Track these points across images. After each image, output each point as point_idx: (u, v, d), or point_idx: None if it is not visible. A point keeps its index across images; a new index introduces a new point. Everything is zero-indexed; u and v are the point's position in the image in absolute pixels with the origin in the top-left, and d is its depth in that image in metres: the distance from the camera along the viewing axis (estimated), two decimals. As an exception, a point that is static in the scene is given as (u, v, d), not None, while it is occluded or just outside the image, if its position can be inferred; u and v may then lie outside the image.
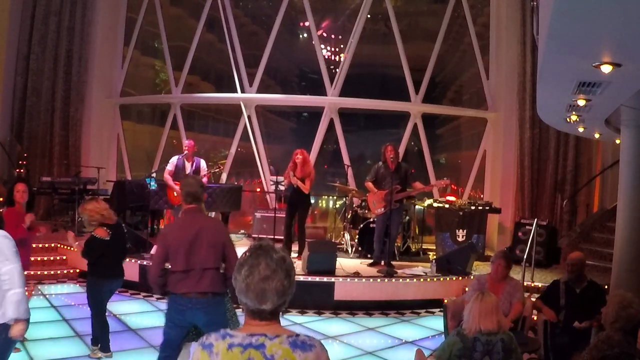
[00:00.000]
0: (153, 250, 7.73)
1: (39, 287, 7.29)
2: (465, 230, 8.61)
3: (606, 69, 3.70)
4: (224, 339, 1.73)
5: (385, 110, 10.99)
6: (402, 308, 7.07)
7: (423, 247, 9.20)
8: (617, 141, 7.33)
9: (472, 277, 7.16)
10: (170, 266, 3.83)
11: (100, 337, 5.01)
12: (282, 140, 12.68)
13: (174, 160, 8.03)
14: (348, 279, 7.06)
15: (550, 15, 3.05)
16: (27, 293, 3.31)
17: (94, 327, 5.03)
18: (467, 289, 5.15)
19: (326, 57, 11.12)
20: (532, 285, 7.05)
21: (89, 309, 5.03)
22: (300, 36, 12.14)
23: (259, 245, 1.79)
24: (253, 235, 9.57)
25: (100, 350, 5.00)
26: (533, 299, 5.19)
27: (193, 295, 3.73)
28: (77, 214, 9.42)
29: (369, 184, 7.85)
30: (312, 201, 11.79)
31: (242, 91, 10.90)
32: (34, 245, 6.54)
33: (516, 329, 4.70)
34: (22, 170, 10.58)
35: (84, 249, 4.92)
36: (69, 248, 8.15)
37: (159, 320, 6.23)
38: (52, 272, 7.84)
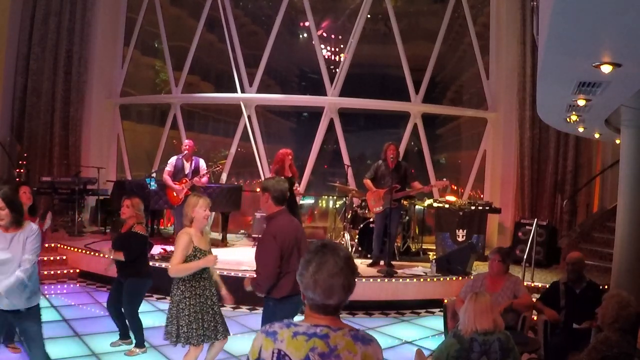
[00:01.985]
0: (154, 251, 7.74)
1: (39, 287, 7.27)
2: (465, 230, 8.61)
3: (606, 69, 3.70)
4: (288, 327, 1.83)
5: (385, 110, 10.99)
6: (402, 308, 7.07)
7: (423, 247, 9.20)
8: (617, 141, 7.33)
9: (471, 277, 7.17)
10: (281, 268, 3.71)
11: (136, 333, 5.13)
12: (282, 140, 12.67)
13: (172, 160, 8.03)
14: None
15: (550, 15, 3.05)
16: None
17: (127, 324, 5.17)
18: (463, 287, 5.15)
19: (326, 57, 11.11)
20: (532, 285, 7.05)
21: (125, 310, 5.13)
22: (300, 36, 12.14)
23: (323, 244, 1.88)
24: (253, 235, 9.56)
25: (136, 346, 5.13)
26: (533, 299, 5.19)
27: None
28: (77, 214, 9.43)
29: (368, 182, 7.86)
30: (312, 201, 11.81)
31: (242, 91, 10.90)
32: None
33: (516, 329, 4.70)
34: (22, 170, 10.58)
35: (124, 245, 4.97)
36: (72, 249, 8.14)
37: (159, 320, 6.22)
38: (52, 272, 7.83)
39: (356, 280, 1.87)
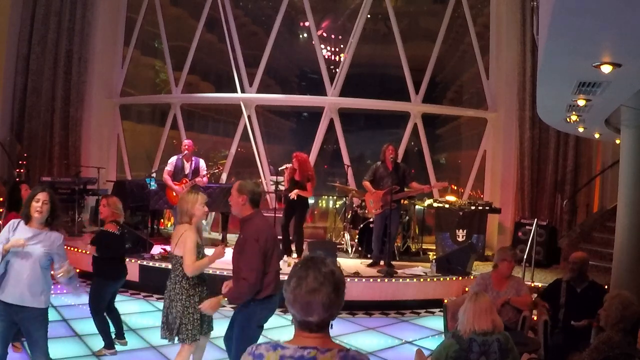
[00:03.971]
0: (154, 251, 7.75)
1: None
2: (465, 230, 8.61)
3: (606, 69, 3.70)
4: (275, 350, 1.73)
5: (385, 110, 10.99)
6: (402, 308, 7.07)
7: (423, 247, 9.20)
8: (617, 141, 7.33)
9: (472, 277, 7.18)
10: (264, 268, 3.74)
11: (103, 335, 5.04)
12: (282, 140, 12.68)
13: (172, 160, 8.02)
14: (348, 279, 7.06)
15: (550, 15, 3.05)
16: None
17: (120, 324, 5.16)
18: (470, 287, 5.19)
19: (326, 57, 11.11)
20: (532, 285, 7.04)
21: (89, 309, 5.06)
22: (300, 36, 12.15)
23: (310, 258, 1.79)
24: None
25: (104, 347, 5.04)
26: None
27: (278, 293, 3.75)
28: (77, 214, 9.43)
29: (367, 184, 7.85)
30: (312, 201, 11.80)
31: (242, 91, 10.90)
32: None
33: (516, 329, 4.71)
34: (22, 170, 10.58)
35: (96, 243, 5.00)
36: (72, 249, 8.14)
37: (158, 320, 6.21)
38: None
39: (342, 297, 1.75)
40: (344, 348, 1.74)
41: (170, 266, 4.20)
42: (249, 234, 3.73)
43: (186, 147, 7.97)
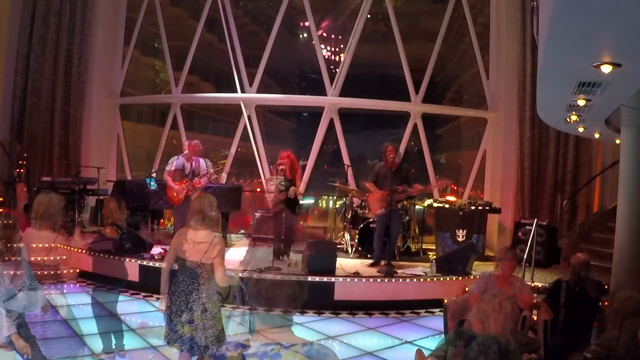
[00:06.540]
0: (154, 251, 7.75)
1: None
2: (465, 230, 8.61)
3: (606, 69, 3.70)
4: (236, 349, 1.74)
5: (385, 110, 11.00)
6: (402, 308, 7.07)
7: (423, 247, 9.19)
8: (617, 141, 7.33)
9: (472, 277, 7.18)
10: None
11: (103, 338, 5.05)
12: (282, 140, 12.67)
13: (173, 160, 8.01)
14: (348, 279, 7.06)
15: (550, 15, 3.05)
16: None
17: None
18: (471, 286, 5.19)
19: (326, 57, 11.12)
20: (532, 285, 7.04)
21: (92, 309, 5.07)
22: (300, 36, 12.14)
23: None
24: (253, 236, 9.56)
25: (103, 351, 5.03)
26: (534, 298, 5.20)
27: None
28: (77, 214, 9.43)
29: (370, 184, 7.85)
30: (312, 201, 11.79)
31: (242, 91, 10.90)
32: (33, 245, 6.48)
33: (516, 329, 4.71)
34: (22, 170, 10.57)
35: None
36: (72, 249, 8.14)
37: (159, 320, 6.22)
38: (52, 272, 7.82)
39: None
40: (307, 342, 1.74)
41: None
42: None
43: (187, 147, 7.97)
